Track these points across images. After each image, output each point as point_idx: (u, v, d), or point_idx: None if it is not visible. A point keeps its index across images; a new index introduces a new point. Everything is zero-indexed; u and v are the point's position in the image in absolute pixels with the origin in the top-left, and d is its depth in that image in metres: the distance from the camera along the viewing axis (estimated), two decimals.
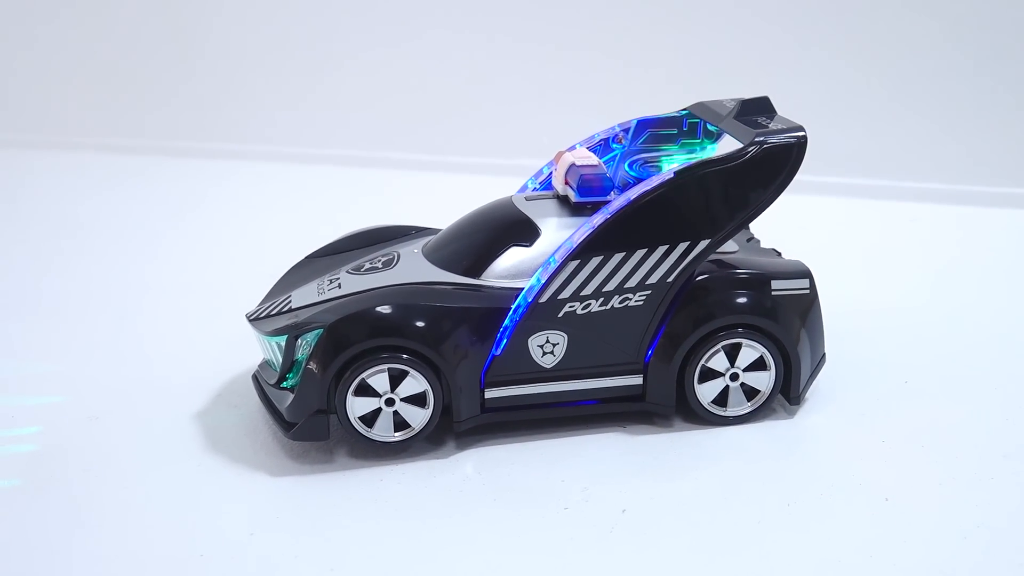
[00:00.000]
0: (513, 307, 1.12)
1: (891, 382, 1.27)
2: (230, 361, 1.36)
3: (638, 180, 1.34)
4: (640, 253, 1.11)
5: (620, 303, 1.13)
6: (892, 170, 1.97)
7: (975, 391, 1.25)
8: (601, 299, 1.12)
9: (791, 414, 1.19)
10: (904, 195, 1.92)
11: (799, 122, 1.17)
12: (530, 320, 1.12)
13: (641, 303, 1.13)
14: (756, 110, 1.21)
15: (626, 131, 1.32)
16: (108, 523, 1.06)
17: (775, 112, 1.21)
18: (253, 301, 1.29)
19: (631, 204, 1.11)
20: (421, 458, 1.14)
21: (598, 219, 1.12)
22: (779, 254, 1.28)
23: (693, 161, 1.13)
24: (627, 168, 1.33)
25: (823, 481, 1.08)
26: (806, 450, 1.14)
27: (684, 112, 1.31)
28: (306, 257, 1.32)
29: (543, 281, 1.11)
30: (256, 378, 1.23)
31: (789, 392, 1.17)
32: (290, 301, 1.21)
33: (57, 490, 1.12)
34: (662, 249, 1.12)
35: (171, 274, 1.72)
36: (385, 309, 1.11)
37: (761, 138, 1.13)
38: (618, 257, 1.11)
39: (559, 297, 1.12)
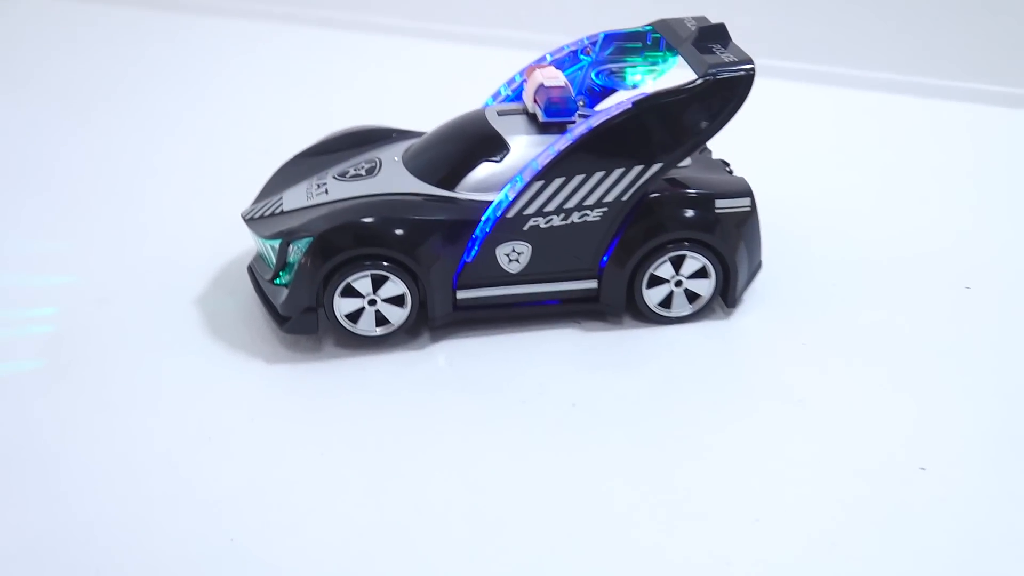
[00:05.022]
0: (483, 219, 1.25)
1: (820, 284, 1.41)
2: (229, 244, 1.48)
3: (604, 88, 1.45)
4: (599, 175, 1.24)
5: (579, 218, 1.26)
6: (851, 58, 2.05)
7: (901, 295, 1.39)
8: (562, 215, 1.25)
9: (727, 315, 1.35)
10: (862, 84, 2.01)
11: (749, 50, 1.27)
12: (498, 232, 1.25)
13: (598, 219, 1.26)
14: (712, 37, 1.31)
15: (594, 44, 1.42)
16: (128, 407, 1.22)
17: (729, 39, 1.31)
18: (258, 183, 1.41)
19: (592, 131, 1.23)
20: (400, 349, 1.30)
21: (562, 143, 1.24)
22: (727, 165, 1.40)
23: (649, 92, 1.24)
24: (594, 76, 1.44)
25: (747, 382, 1.24)
26: (736, 350, 1.30)
27: (648, 27, 1.40)
28: (295, 156, 1.43)
29: (511, 198, 1.24)
30: (251, 270, 1.36)
31: (727, 296, 1.32)
32: (281, 203, 1.34)
33: (78, 373, 1.27)
34: (619, 171, 1.24)
35: (183, 148, 1.83)
36: (368, 220, 1.24)
37: (713, 70, 1.24)
38: (579, 178, 1.24)
39: (524, 213, 1.25)
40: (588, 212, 1.26)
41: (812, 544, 1.02)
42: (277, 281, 1.29)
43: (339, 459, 1.14)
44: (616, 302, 1.31)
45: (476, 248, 1.26)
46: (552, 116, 1.29)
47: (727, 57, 1.26)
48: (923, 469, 1.10)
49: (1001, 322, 1.35)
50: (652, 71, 1.43)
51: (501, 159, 1.28)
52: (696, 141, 1.26)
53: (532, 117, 1.33)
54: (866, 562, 1.00)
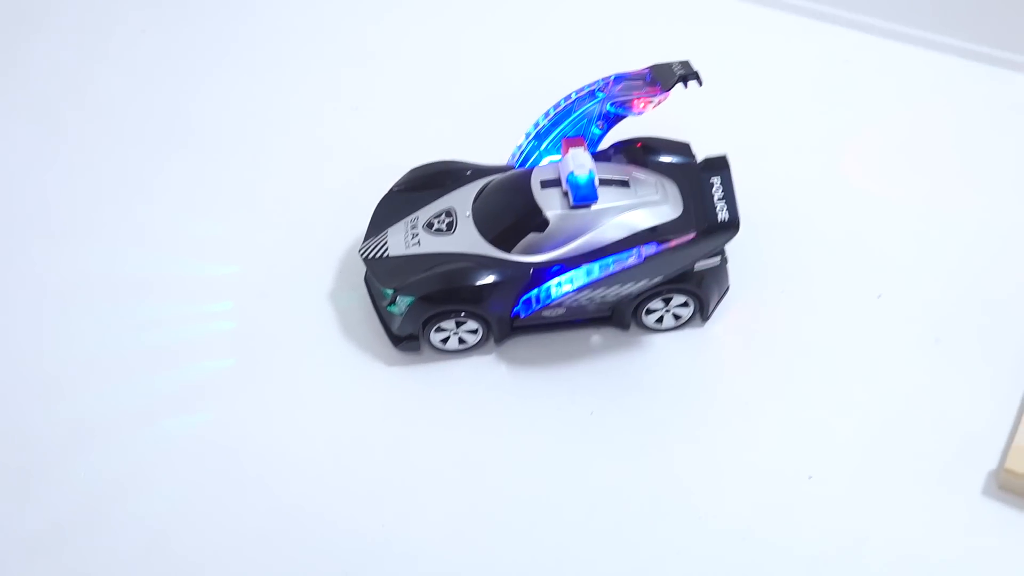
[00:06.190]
0: (533, 300, 1.81)
1: (777, 286, 1.93)
2: (346, 226, 1.96)
3: (617, 115, 1.90)
4: (617, 286, 1.78)
5: (600, 298, 1.81)
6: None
7: (847, 296, 1.91)
8: (589, 299, 1.81)
9: (703, 325, 1.91)
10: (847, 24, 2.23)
11: None
12: (545, 308, 1.81)
13: (614, 297, 1.82)
14: (716, 166, 1.79)
15: (607, 83, 1.85)
16: (301, 406, 1.83)
17: (728, 169, 1.78)
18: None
19: (614, 273, 1.75)
20: (475, 355, 1.89)
21: (590, 278, 1.76)
22: None
23: (660, 246, 1.75)
24: (609, 107, 1.88)
25: (709, 388, 1.83)
26: (705, 357, 1.86)
27: (647, 70, 1.81)
28: (388, 192, 1.93)
29: (554, 298, 1.79)
30: (367, 283, 1.94)
31: (702, 315, 1.89)
32: (387, 246, 1.87)
33: (262, 372, 1.89)
34: (633, 283, 1.78)
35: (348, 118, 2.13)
36: (453, 285, 1.80)
37: (708, 224, 1.75)
38: (602, 288, 1.78)
39: (564, 302, 1.80)
40: (607, 296, 1.81)
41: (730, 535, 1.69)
42: (389, 308, 1.87)
43: (444, 450, 1.78)
44: (625, 322, 1.89)
45: (529, 311, 1.82)
46: (579, 202, 1.79)
47: (720, 210, 1.76)
48: (810, 478, 1.74)
49: (912, 331, 1.87)
50: (651, 102, 1.86)
51: (543, 231, 1.80)
52: (691, 263, 1.78)
53: (566, 194, 1.82)
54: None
